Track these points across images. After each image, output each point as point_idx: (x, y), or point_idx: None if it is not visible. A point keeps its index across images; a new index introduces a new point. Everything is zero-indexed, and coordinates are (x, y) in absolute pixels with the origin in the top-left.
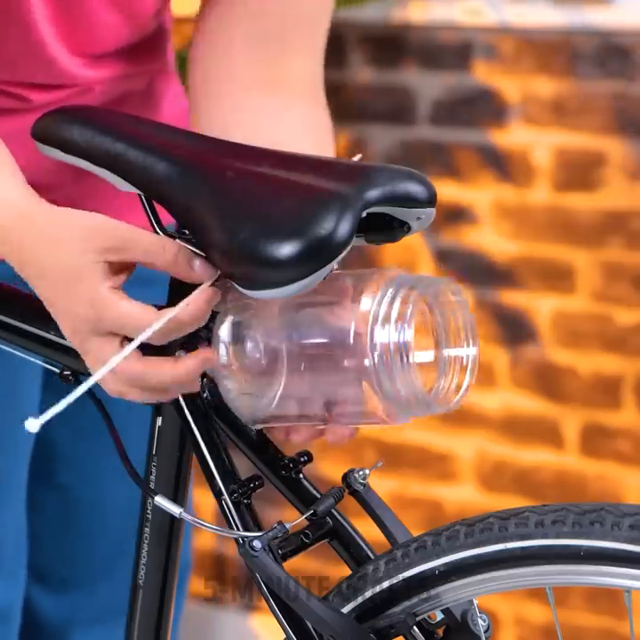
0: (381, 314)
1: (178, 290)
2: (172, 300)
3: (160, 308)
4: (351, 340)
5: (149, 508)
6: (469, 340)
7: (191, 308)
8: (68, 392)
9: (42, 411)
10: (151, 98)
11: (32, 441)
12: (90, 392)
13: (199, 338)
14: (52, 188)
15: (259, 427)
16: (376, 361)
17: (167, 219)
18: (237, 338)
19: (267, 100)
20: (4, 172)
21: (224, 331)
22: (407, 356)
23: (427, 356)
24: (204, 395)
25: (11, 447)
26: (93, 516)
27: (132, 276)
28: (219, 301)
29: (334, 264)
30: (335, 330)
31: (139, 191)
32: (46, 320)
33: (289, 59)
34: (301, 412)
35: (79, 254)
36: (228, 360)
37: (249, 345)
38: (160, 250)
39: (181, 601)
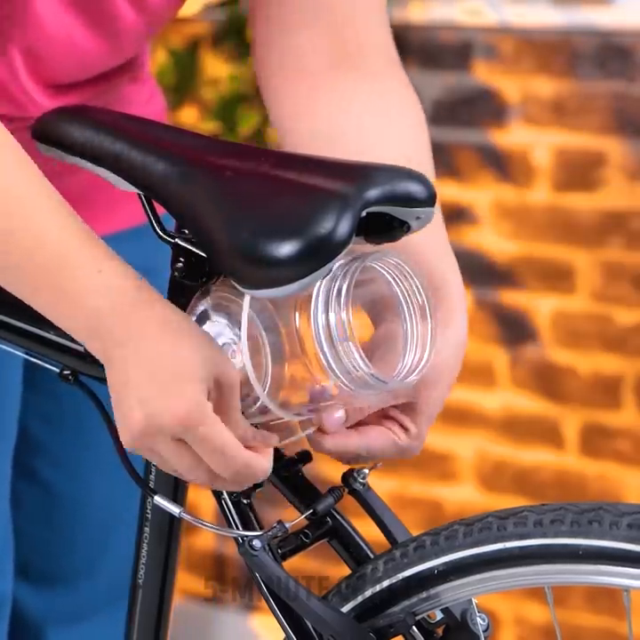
0: (321, 294)
1: (179, 287)
2: (173, 298)
3: None
4: (297, 324)
5: (149, 507)
6: (425, 311)
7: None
8: (54, 389)
9: (23, 408)
10: (122, 105)
11: (14, 436)
12: (89, 392)
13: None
14: None
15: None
16: (319, 341)
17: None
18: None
19: (341, 84)
20: (109, 255)
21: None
22: (347, 333)
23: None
24: None
25: None
26: (75, 512)
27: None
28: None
29: (334, 263)
30: (289, 317)
31: (139, 191)
32: (46, 319)
33: (360, 30)
34: (282, 400)
35: (199, 362)
36: None
37: (221, 338)
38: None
39: None
